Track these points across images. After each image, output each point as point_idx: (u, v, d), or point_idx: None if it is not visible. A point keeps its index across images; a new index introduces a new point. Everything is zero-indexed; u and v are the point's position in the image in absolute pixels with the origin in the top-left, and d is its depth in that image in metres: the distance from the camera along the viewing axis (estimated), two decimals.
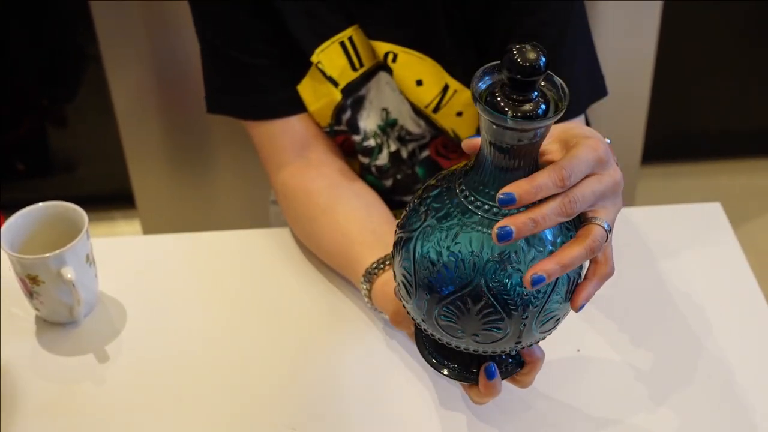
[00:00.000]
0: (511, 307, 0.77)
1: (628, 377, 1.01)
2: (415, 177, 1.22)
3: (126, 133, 1.85)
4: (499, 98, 0.72)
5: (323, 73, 1.13)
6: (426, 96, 1.13)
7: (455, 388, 1.00)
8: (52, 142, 2.28)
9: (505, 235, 0.72)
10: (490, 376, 0.86)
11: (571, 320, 1.05)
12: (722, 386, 1.00)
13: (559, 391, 1.00)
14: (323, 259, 1.13)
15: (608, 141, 0.91)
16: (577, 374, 1.01)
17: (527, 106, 0.72)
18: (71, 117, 2.22)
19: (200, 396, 1.01)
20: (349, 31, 1.12)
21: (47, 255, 1.01)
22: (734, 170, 2.39)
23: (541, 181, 0.73)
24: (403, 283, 0.81)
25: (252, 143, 1.19)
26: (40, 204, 1.07)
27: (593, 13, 1.74)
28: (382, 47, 1.11)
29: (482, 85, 0.74)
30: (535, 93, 0.72)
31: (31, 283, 1.03)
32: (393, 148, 1.20)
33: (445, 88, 1.12)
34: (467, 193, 0.77)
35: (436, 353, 0.89)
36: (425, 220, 0.78)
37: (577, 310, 0.79)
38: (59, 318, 1.08)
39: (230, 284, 1.14)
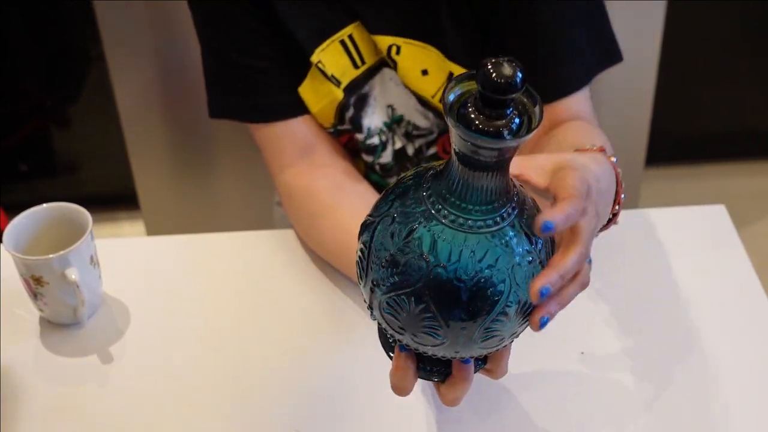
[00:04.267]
0: (452, 317, 0.73)
1: (631, 380, 1.01)
2: None
3: (129, 134, 1.85)
4: (471, 110, 0.68)
5: (323, 72, 1.13)
6: (432, 86, 1.13)
7: None
8: (55, 143, 2.29)
9: (543, 324, 0.74)
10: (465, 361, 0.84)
11: (574, 323, 1.05)
12: (727, 388, 1.00)
13: (562, 392, 1.00)
14: (325, 258, 1.13)
15: (614, 159, 0.91)
16: (580, 376, 1.01)
17: (500, 122, 0.68)
18: (74, 118, 2.22)
19: (204, 397, 1.01)
20: (348, 29, 1.12)
21: (51, 256, 1.01)
22: (738, 172, 2.39)
23: (570, 211, 0.74)
24: (357, 263, 0.78)
25: (256, 145, 1.19)
26: (44, 205, 1.07)
27: None
28: (385, 41, 1.11)
29: (452, 97, 0.70)
30: (510, 109, 0.68)
31: (35, 284, 1.03)
32: (398, 145, 1.20)
33: (450, 76, 1.12)
34: (433, 199, 0.74)
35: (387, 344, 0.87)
36: (389, 209, 0.76)
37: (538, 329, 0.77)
38: (63, 319, 1.08)
39: (234, 286, 1.14)
